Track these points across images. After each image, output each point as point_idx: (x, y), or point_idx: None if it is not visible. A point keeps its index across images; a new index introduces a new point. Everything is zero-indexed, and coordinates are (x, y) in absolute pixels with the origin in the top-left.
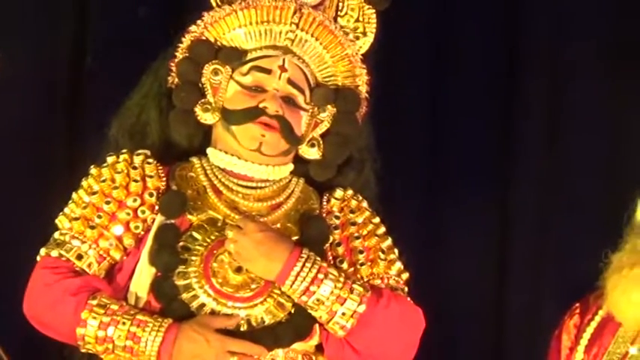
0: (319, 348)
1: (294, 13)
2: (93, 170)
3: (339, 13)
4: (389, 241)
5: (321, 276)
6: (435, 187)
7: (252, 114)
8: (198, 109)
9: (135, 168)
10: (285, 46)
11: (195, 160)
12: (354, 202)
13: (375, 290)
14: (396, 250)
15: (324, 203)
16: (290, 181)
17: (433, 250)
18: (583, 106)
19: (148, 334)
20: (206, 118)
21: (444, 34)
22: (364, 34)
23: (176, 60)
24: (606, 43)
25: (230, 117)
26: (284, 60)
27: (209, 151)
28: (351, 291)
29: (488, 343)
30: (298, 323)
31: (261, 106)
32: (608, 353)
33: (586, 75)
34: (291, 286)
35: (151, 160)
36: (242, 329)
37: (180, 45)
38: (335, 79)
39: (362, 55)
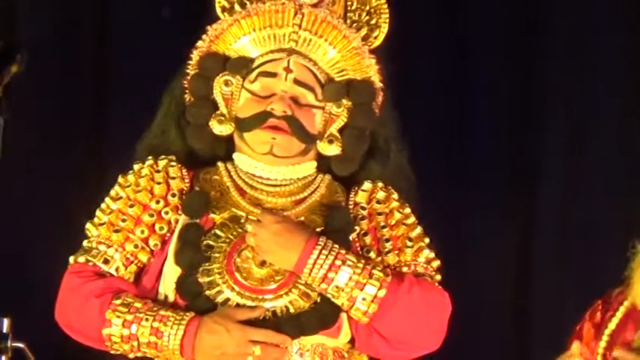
0: (354, 346)
1: (295, 14)
2: (120, 179)
3: (348, 8)
4: (418, 230)
5: (338, 262)
6: (457, 185)
7: (259, 119)
8: (212, 122)
9: (158, 172)
10: (290, 48)
11: (220, 164)
12: (381, 194)
13: (397, 275)
14: (426, 239)
15: (352, 196)
16: (316, 177)
17: (456, 250)
18: (607, 105)
19: (170, 329)
20: (221, 130)
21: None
22: (377, 25)
23: (188, 77)
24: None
25: (241, 125)
26: (288, 61)
27: (235, 155)
28: (371, 276)
29: (511, 341)
30: (323, 311)
31: (268, 109)
32: (638, 336)
33: (610, 75)
34: (309, 274)
35: (174, 163)
36: (267, 319)
37: (190, 62)
38: (346, 73)
39: (377, 46)
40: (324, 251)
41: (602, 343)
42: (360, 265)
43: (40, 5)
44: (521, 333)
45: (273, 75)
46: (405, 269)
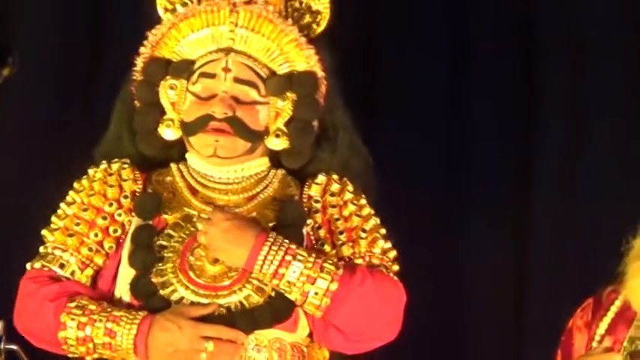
0: (314, 340)
1: (230, 12)
2: (75, 184)
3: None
4: (373, 221)
5: (289, 258)
6: (454, 194)
7: (201, 123)
8: (160, 128)
9: (111, 175)
10: (228, 47)
11: (173, 165)
12: (335, 186)
13: (349, 268)
14: (382, 230)
15: (305, 189)
16: (269, 172)
17: (452, 258)
18: (602, 107)
19: (123, 328)
20: (169, 134)
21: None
22: (319, 12)
23: (134, 84)
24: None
25: (186, 129)
26: (227, 61)
27: (187, 156)
28: (322, 270)
29: (508, 345)
30: (277, 306)
31: (210, 112)
32: (628, 339)
33: (606, 75)
34: (260, 271)
35: (126, 166)
36: (220, 315)
37: (135, 68)
38: (288, 65)
39: (320, 33)
40: (273, 247)
41: (594, 344)
42: (311, 260)
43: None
44: (517, 334)
45: (213, 76)
46: (359, 261)
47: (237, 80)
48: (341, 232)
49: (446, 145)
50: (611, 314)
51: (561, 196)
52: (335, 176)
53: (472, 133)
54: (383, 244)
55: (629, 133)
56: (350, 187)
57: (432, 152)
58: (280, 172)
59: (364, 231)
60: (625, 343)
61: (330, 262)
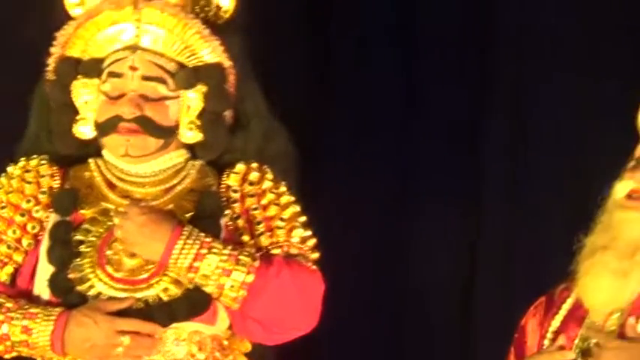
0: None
1: (133, 9)
2: None
3: None
4: (292, 210)
5: (204, 251)
6: (410, 186)
7: (110, 125)
8: (75, 128)
9: (29, 171)
10: (134, 44)
11: (91, 160)
12: (254, 174)
13: (266, 259)
14: (301, 218)
15: (224, 179)
16: (186, 164)
17: (402, 255)
18: (551, 102)
19: (39, 325)
20: (83, 133)
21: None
22: (222, 5)
23: (47, 84)
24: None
25: (98, 130)
26: (133, 59)
27: (103, 152)
28: (237, 262)
29: (458, 338)
30: (193, 298)
31: (119, 112)
32: (580, 337)
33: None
34: (175, 264)
35: (44, 162)
36: (138, 309)
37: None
38: (194, 58)
39: (229, 18)
40: (189, 240)
41: (546, 342)
42: (226, 252)
43: None
44: (466, 333)
45: (120, 75)
46: (278, 251)
47: (144, 78)
48: (259, 222)
49: (396, 144)
50: (563, 312)
51: (512, 194)
52: (254, 165)
53: (424, 132)
54: (302, 232)
55: (577, 131)
56: (269, 175)
57: (384, 146)
58: (198, 162)
59: (282, 220)
60: (577, 341)
61: (246, 253)
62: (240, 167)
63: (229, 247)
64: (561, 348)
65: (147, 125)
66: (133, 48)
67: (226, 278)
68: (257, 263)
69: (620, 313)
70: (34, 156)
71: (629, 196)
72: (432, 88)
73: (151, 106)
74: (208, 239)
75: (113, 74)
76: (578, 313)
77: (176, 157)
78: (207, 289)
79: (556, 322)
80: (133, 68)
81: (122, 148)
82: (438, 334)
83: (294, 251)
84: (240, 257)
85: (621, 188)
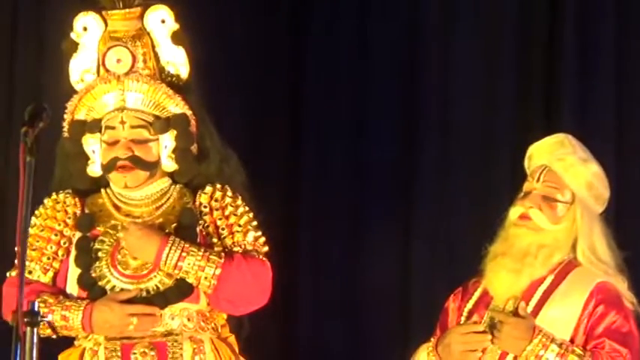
0: None
1: (117, 81)
2: (36, 211)
3: (158, 59)
4: (246, 217)
5: (184, 254)
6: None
7: (111, 165)
8: (88, 169)
9: (58, 202)
10: (122, 106)
11: (102, 190)
12: (218, 193)
13: (229, 255)
14: (254, 223)
15: (197, 198)
16: (170, 187)
17: (352, 255)
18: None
19: (72, 314)
20: (95, 171)
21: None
22: (179, 74)
23: (64, 140)
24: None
25: (103, 169)
26: (121, 116)
27: (111, 183)
28: (208, 260)
29: (397, 323)
30: (181, 286)
31: (116, 155)
32: (487, 315)
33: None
34: (164, 265)
35: (69, 195)
36: (143, 296)
37: (63, 127)
38: (166, 110)
39: (187, 82)
40: (173, 247)
41: (463, 319)
42: (201, 253)
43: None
44: (404, 321)
45: (114, 127)
46: (237, 249)
47: (132, 127)
48: (223, 229)
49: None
50: (475, 298)
51: (437, 210)
52: (218, 186)
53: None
54: (254, 234)
55: (487, 157)
56: (229, 193)
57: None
58: (179, 186)
59: (239, 226)
60: (485, 318)
61: (215, 253)
62: (208, 189)
63: (202, 249)
64: (474, 323)
65: (137, 162)
66: (121, 109)
67: (201, 272)
68: (222, 260)
69: (515, 299)
70: (61, 191)
71: (521, 217)
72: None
73: (138, 147)
74: (187, 245)
75: (109, 127)
76: (485, 299)
77: (161, 183)
78: (189, 281)
79: (469, 305)
80: (123, 122)
81: (122, 182)
82: (381, 319)
83: (249, 248)
84: (211, 257)
85: (514, 212)
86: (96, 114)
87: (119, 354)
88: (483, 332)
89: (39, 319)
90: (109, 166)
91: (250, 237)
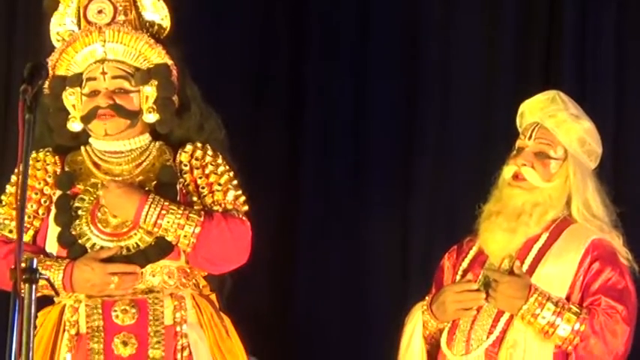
0: None
1: (99, 33)
2: (15, 169)
3: (140, 11)
4: (226, 176)
5: (164, 212)
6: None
7: (91, 114)
8: (68, 124)
9: (38, 161)
10: (103, 58)
11: (82, 148)
12: (199, 152)
13: (208, 214)
14: (234, 182)
15: (177, 156)
16: (150, 145)
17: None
18: (462, 102)
19: (53, 273)
20: (74, 128)
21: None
22: (163, 20)
23: (45, 96)
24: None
25: (83, 120)
26: (103, 67)
27: (90, 140)
28: (188, 218)
29: (397, 285)
30: (161, 244)
31: (97, 104)
32: (482, 274)
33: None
34: (144, 222)
35: (49, 153)
36: (123, 254)
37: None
38: (147, 61)
39: (168, 34)
40: (152, 205)
41: (457, 277)
42: (180, 212)
43: None
44: (403, 275)
45: (95, 79)
46: (217, 207)
47: (113, 77)
48: (203, 187)
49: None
50: (470, 257)
51: (436, 173)
52: (199, 144)
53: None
54: (234, 192)
55: (482, 139)
56: (210, 152)
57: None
58: (159, 143)
59: (219, 184)
60: (480, 277)
61: (195, 212)
62: (188, 147)
63: (182, 207)
64: (469, 281)
65: (119, 110)
66: (102, 60)
67: (181, 230)
68: (202, 218)
69: (510, 258)
70: (41, 149)
71: (515, 177)
72: None
73: (119, 97)
74: (167, 203)
75: (90, 79)
76: (480, 258)
77: (142, 140)
78: (168, 239)
79: (465, 264)
80: (104, 73)
81: (102, 129)
82: (381, 277)
83: (229, 207)
84: (190, 215)
85: (508, 171)
86: (76, 68)
87: (100, 311)
88: (477, 290)
89: (37, 276)
90: (90, 115)
91: (230, 196)
